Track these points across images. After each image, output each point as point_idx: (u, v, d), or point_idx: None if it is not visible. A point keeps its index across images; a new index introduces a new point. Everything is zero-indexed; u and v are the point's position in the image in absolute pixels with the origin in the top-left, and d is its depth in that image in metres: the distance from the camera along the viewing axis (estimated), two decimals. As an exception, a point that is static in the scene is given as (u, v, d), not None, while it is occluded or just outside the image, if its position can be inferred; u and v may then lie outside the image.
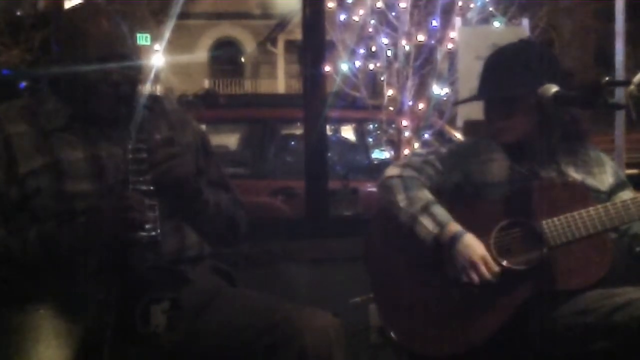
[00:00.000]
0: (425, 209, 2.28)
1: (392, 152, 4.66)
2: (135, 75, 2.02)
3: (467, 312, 2.24)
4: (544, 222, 2.22)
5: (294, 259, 3.41)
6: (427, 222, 2.26)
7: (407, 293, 2.32)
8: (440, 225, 2.25)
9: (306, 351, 1.84)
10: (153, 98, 2.14)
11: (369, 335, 3.22)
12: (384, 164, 5.24)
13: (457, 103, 2.57)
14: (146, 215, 1.84)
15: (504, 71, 2.35)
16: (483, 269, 2.20)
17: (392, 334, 2.33)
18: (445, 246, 2.24)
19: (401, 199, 2.31)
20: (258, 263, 3.27)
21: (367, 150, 6.31)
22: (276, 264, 3.36)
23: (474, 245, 2.22)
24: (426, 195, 2.31)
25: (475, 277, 2.20)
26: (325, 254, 3.47)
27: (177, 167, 1.94)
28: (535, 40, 2.55)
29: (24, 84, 3.03)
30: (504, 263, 2.23)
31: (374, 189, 5.52)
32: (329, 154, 4.84)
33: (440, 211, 2.28)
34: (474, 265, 2.20)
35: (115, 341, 1.82)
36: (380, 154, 5.93)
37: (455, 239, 2.23)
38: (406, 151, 4.45)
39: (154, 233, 1.84)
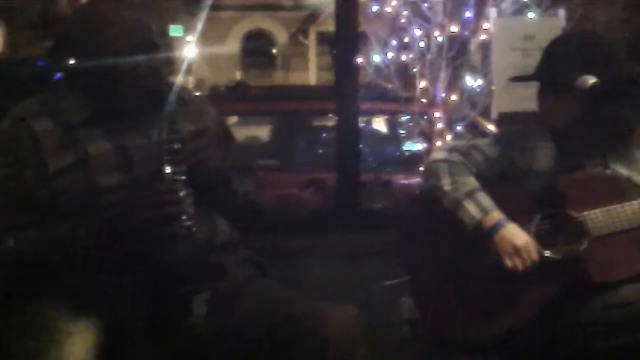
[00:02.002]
0: (470, 195, 2.28)
1: (424, 144, 4.62)
2: (163, 66, 2.00)
3: (501, 301, 2.23)
4: (586, 213, 2.21)
5: (324, 252, 3.41)
6: (471, 208, 2.26)
7: (441, 280, 2.32)
8: (484, 211, 2.25)
9: (327, 345, 1.83)
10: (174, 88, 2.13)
11: (400, 329, 3.20)
12: (416, 156, 5.21)
13: (513, 79, 2.56)
14: (182, 207, 1.83)
15: (563, 57, 2.33)
16: (525, 256, 2.19)
17: (424, 321, 2.35)
18: (487, 233, 2.23)
19: (446, 183, 2.31)
20: (288, 256, 3.26)
21: (398, 142, 6.27)
22: (306, 258, 3.35)
23: (516, 233, 2.21)
24: (472, 181, 2.31)
25: (518, 264, 2.19)
26: (356, 248, 3.46)
27: (209, 157, 1.93)
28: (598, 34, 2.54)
29: (58, 75, 3.04)
30: (547, 253, 2.21)
31: (405, 181, 5.53)
32: (361, 146, 4.83)
33: (484, 198, 2.28)
34: (516, 252, 2.19)
35: (150, 333, 1.83)
36: (412, 146, 5.90)
37: (498, 226, 2.23)
38: (438, 143, 4.40)
39: (189, 223, 1.83)
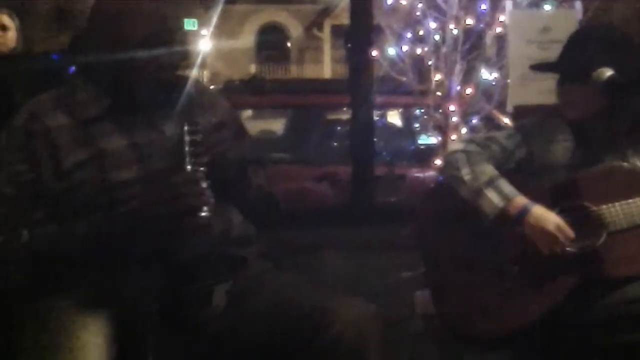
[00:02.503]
0: (491, 183, 2.24)
1: (439, 138, 4.61)
2: (178, 60, 2.00)
3: (517, 294, 2.21)
4: (604, 206, 2.19)
5: (338, 245, 3.40)
6: (492, 196, 2.22)
7: (457, 273, 2.31)
8: (507, 198, 2.21)
9: (341, 339, 1.82)
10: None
11: (414, 323, 3.20)
12: (431, 149, 5.20)
13: (532, 67, 2.54)
14: (205, 199, 1.83)
15: (584, 48, 2.31)
16: (561, 237, 2.16)
17: (440, 315, 2.33)
18: (513, 220, 2.20)
19: (465, 173, 2.28)
20: (302, 249, 3.26)
21: (413, 135, 6.26)
22: (320, 251, 3.35)
23: (546, 215, 2.18)
24: (491, 169, 2.28)
25: (554, 248, 2.17)
26: (370, 241, 3.45)
27: (228, 150, 1.93)
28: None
29: (73, 69, 3.03)
30: (567, 249, 2.19)
31: (420, 175, 5.52)
32: (375, 140, 4.82)
33: (506, 185, 2.24)
34: (549, 235, 2.16)
35: (167, 325, 1.83)
36: (427, 140, 5.88)
37: (524, 211, 2.19)
38: (453, 137, 4.39)
39: (208, 214, 1.83)
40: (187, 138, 1.84)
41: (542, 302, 2.19)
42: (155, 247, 1.84)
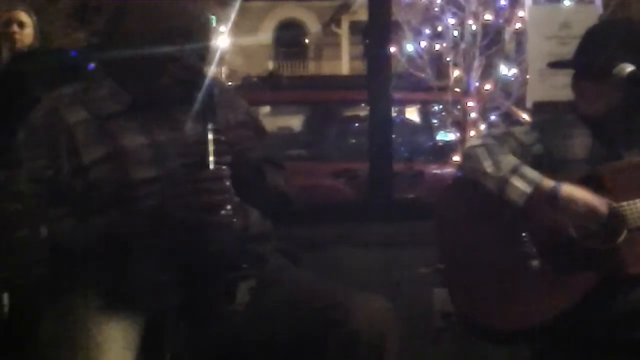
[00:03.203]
0: (515, 170, 2.23)
1: (458, 134, 4.59)
2: (204, 57, 1.98)
3: (537, 289, 2.20)
4: (624, 203, 2.17)
5: (356, 242, 3.39)
6: (518, 183, 2.22)
7: (478, 267, 2.29)
8: (534, 182, 2.20)
9: (358, 335, 1.82)
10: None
11: (432, 319, 3.19)
12: (449, 146, 5.18)
13: (550, 65, 2.53)
14: (226, 197, 1.82)
15: (601, 44, 2.29)
16: (598, 210, 2.15)
17: (458, 310, 2.32)
18: (547, 201, 2.19)
19: (487, 165, 2.27)
20: (320, 246, 3.26)
21: (431, 132, 6.24)
22: (338, 247, 3.34)
23: (577, 190, 2.18)
24: (512, 158, 2.28)
25: (591, 220, 2.16)
26: (388, 237, 3.44)
27: (248, 149, 1.93)
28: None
29: (92, 65, 3.05)
30: (587, 245, 2.18)
31: (438, 171, 5.50)
32: (393, 136, 4.81)
33: (529, 170, 2.24)
34: (586, 207, 2.16)
35: (185, 322, 1.84)
36: (445, 136, 5.86)
37: (555, 189, 2.18)
38: (472, 133, 4.37)
39: (231, 213, 1.83)
40: (210, 137, 1.84)
41: (563, 298, 2.17)
42: (176, 244, 1.84)
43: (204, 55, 1.98)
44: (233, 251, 1.87)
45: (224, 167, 1.84)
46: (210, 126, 1.85)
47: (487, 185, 2.27)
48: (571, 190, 2.18)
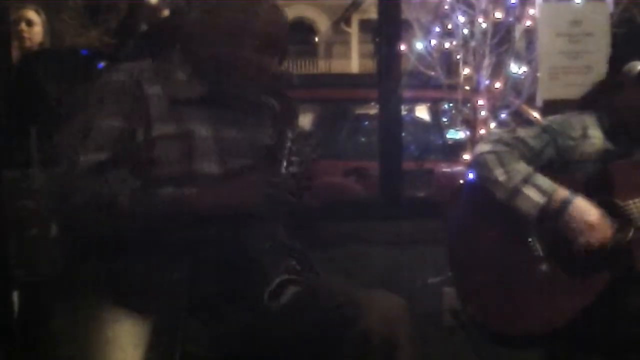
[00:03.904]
0: (527, 180, 2.22)
1: (468, 132, 4.58)
2: (280, 66, 2.01)
3: (548, 293, 2.20)
4: (631, 201, 2.16)
5: (366, 240, 3.39)
6: (531, 193, 2.20)
7: (488, 271, 2.29)
8: (547, 193, 2.18)
9: (371, 333, 1.82)
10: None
11: (442, 318, 3.18)
12: (459, 144, 5.17)
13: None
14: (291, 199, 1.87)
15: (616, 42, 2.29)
16: (602, 230, 2.14)
17: (470, 312, 2.32)
18: (555, 214, 2.17)
19: (499, 174, 2.25)
20: (330, 244, 3.26)
21: (441, 130, 6.22)
22: (348, 245, 3.34)
23: (588, 208, 2.17)
24: (524, 166, 2.25)
25: (593, 241, 2.14)
26: (398, 236, 3.44)
27: (313, 160, 1.96)
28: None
29: (102, 64, 3.06)
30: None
31: (448, 170, 5.49)
32: (403, 134, 4.81)
33: (543, 180, 2.22)
34: (591, 227, 2.15)
35: (199, 318, 1.84)
36: (455, 134, 5.84)
37: (567, 203, 2.17)
38: (482, 131, 4.36)
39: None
40: (288, 144, 1.89)
41: (573, 300, 2.17)
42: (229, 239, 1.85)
43: (283, 60, 2.02)
44: (283, 254, 1.90)
45: (292, 172, 1.88)
46: (289, 135, 1.90)
47: (498, 195, 2.25)
48: (582, 207, 2.17)
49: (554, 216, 2.19)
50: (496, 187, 2.25)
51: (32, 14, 3.67)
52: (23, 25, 3.63)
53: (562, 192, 2.19)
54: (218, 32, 1.95)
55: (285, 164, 1.89)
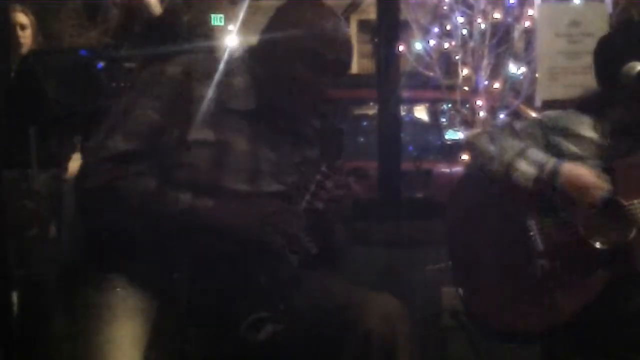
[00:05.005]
0: (520, 154, 2.22)
1: (466, 133, 4.59)
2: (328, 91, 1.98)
3: (548, 291, 2.20)
4: (636, 200, 2.16)
5: (365, 240, 3.39)
6: (524, 167, 2.21)
7: (489, 267, 2.29)
8: (538, 164, 2.20)
9: (371, 335, 1.83)
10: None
11: (441, 319, 3.18)
12: (458, 144, 5.17)
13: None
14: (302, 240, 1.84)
15: (612, 44, 2.30)
16: (597, 189, 2.15)
17: (466, 310, 2.33)
18: (549, 183, 2.18)
19: (492, 150, 2.26)
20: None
21: (440, 130, 6.23)
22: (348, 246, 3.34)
23: (576, 169, 2.18)
24: (517, 142, 2.26)
25: (591, 200, 2.15)
26: (397, 236, 3.44)
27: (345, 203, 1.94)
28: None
29: (101, 64, 3.06)
30: (597, 245, 2.18)
31: (446, 170, 5.49)
32: (402, 135, 4.81)
33: (536, 153, 2.22)
34: (586, 185, 2.15)
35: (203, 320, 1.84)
36: (454, 135, 5.85)
37: (554, 169, 2.18)
38: (480, 132, 4.36)
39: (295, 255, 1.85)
40: (318, 177, 1.86)
41: (573, 298, 2.17)
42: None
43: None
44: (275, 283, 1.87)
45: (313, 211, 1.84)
46: (323, 169, 1.86)
47: (494, 170, 2.25)
48: (570, 169, 2.17)
49: (548, 186, 2.19)
50: (490, 162, 2.26)
51: (22, 18, 3.64)
52: (18, 30, 3.60)
53: (551, 160, 2.20)
54: (287, 49, 1.92)
55: (308, 197, 1.84)
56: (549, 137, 2.31)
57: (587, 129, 2.30)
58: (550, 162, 2.20)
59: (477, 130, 2.41)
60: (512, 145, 2.25)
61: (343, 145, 1.96)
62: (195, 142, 1.85)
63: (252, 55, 1.99)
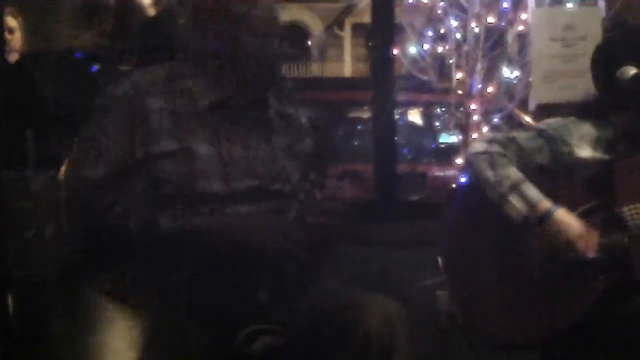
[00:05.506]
0: (514, 188, 2.22)
1: (460, 136, 4.59)
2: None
3: (543, 300, 2.19)
4: (625, 207, 2.16)
5: (360, 242, 3.40)
6: (516, 202, 2.21)
7: (483, 277, 2.29)
8: (531, 204, 2.19)
9: (369, 338, 1.82)
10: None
11: (437, 321, 3.19)
12: (452, 148, 5.18)
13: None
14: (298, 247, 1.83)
15: (608, 47, 2.31)
16: (583, 244, 2.14)
17: (464, 319, 2.32)
18: (537, 224, 2.19)
19: (490, 176, 2.25)
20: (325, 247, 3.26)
21: (434, 134, 6.25)
22: (342, 248, 3.35)
23: (568, 221, 2.17)
24: (515, 172, 2.25)
25: (574, 254, 2.14)
26: (392, 239, 3.45)
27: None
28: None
29: (96, 67, 3.06)
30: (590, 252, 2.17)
31: (441, 174, 5.51)
32: (396, 138, 4.82)
33: (530, 189, 2.22)
34: (570, 242, 2.15)
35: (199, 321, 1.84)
36: (448, 138, 5.87)
37: (546, 215, 2.17)
38: (474, 135, 4.37)
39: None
40: (307, 186, 1.89)
41: (570, 306, 2.17)
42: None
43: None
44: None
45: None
46: (313, 176, 1.88)
47: (489, 195, 2.26)
48: (561, 220, 2.17)
49: (536, 226, 2.20)
50: (487, 188, 2.26)
51: (11, 21, 3.62)
52: (6, 35, 3.57)
53: (545, 204, 2.20)
54: (216, 21, 1.90)
55: (297, 206, 1.84)
56: (553, 146, 2.30)
57: (588, 140, 2.29)
58: (545, 204, 2.19)
59: (480, 144, 2.37)
60: (509, 175, 2.24)
61: (331, 145, 1.95)
62: (160, 156, 1.85)
63: (197, 55, 1.97)
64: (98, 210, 1.80)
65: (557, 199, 2.22)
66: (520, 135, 2.35)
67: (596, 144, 2.29)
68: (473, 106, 4.43)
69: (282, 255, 1.81)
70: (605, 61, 2.30)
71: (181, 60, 1.96)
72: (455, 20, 4.47)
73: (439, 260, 2.39)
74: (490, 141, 2.33)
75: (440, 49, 4.55)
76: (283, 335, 1.85)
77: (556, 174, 2.29)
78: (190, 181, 1.84)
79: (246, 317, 1.83)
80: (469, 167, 2.34)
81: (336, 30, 25.39)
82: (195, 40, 1.93)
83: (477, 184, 2.29)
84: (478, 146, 2.35)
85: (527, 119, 4.87)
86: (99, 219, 1.80)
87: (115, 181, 1.83)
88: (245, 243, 1.80)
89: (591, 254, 2.15)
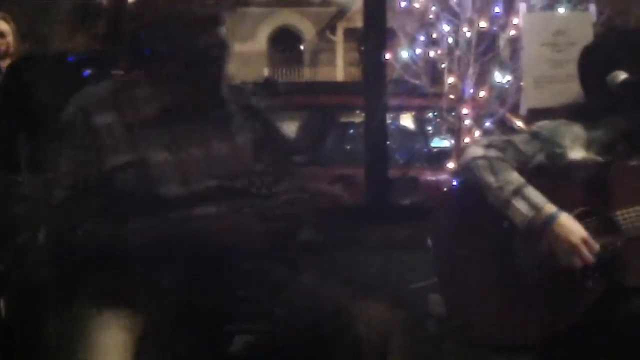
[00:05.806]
0: (518, 192, 2.21)
1: (452, 141, 4.61)
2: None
3: (536, 303, 2.19)
4: (618, 212, 2.16)
5: (352, 247, 3.41)
6: (520, 206, 2.19)
7: (476, 280, 2.28)
8: (536, 207, 2.18)
9: (360, 342, 1.83)
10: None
11: (429, 324, 3.20)
12: (444, 152, 5.20)
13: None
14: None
15: (597, 52, 2.32)
16: (584, 250, 2.13)
17: (457, 321, 2.32)
18: (540, 228, 2.17)
19: (492, 182, 2.23)
20: (317, 250, 3.27)
21: (426, 138, 6.26)
22: (334, 252, 3.35)
23: (571, 226, 2.16)
24: (516, 177, 2.24)
25: (576, 260, 2.14)
26: (384, 243, 3.46)
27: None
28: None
29: (88, 71, 3.05)
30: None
31: (433, 178, 5.52)
32: (388, 142, 4.83)
33: (533, 193, 2.21)
34: (572, 247, 2.14)
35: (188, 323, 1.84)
36: (440, 142, 5.88)
37: (551, 218, 2.16)
38: (466, 140, 4.39)
39: None
40: (264, 191, 1.89)
41: (563, 309, 2.16)
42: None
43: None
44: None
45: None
46: (261, 168, 1.89)
47: (490, 200, 2.24)
48: (565, 225, 2.16)
49: (540, 230, 2.19)
50: (489, 193, 2.25)
51: (2, 25, 3.61)
52: None
53: (549, 208, 2.19)
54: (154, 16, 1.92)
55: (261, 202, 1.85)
56: (548, 148, 2.30)
57: (580, 142, 2.30)
58: (550, 208, 2.18)
59: (478, 149, 2.35)
60: (511, 180, 2.23)
61: (279, 135, 2.00)
62: (114, 170, 1.86)
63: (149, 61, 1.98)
64: (63, 232, 1.84)
65: (554, 202, 2.22)
66: (516, 139, 2.34)
67: (589, 145, 2.29)
68: (465, 110, 4.44)
69: (248, 252, 1.83)
70: (593, 64, 2.30)
71: (138, 68, 1.98)
72: (448, 25, 4.48)
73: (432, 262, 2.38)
74: (488, 146, 2.32)
75: (432, 54, 4.56)
76: (266, 337, 1.87)
77: (552, 176, 2.29)
78: (149, 190, 1.85)
79: (224, 318, 1.85)
80: (468, 172, 2.31)
81: (328, 34, 25.43)
82: (145, 46, 1.95)
83: (472, 188, 2.28)
84: (476, 151, 2.33)
85: (519, 123, 4.88)
86: (66, 241, 1.84)
87: (75, 202, 1.85)
88: (212, 244, 1.81)
89: (592, 260, 2.14)
